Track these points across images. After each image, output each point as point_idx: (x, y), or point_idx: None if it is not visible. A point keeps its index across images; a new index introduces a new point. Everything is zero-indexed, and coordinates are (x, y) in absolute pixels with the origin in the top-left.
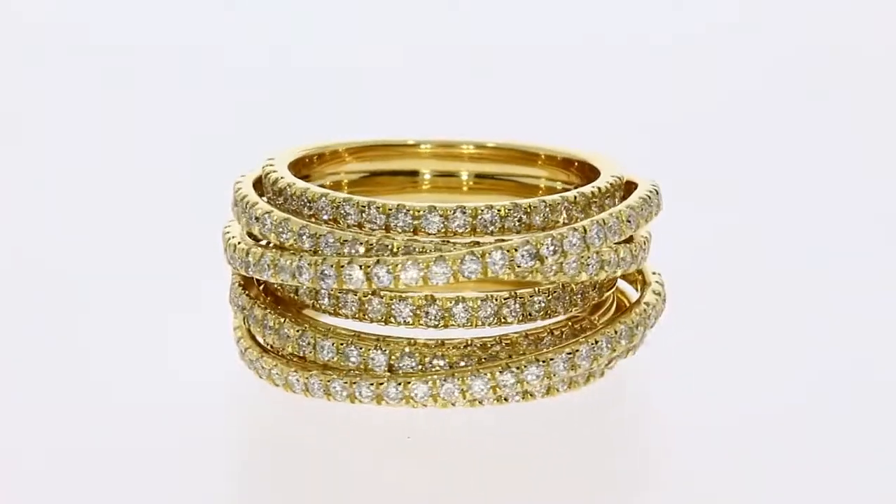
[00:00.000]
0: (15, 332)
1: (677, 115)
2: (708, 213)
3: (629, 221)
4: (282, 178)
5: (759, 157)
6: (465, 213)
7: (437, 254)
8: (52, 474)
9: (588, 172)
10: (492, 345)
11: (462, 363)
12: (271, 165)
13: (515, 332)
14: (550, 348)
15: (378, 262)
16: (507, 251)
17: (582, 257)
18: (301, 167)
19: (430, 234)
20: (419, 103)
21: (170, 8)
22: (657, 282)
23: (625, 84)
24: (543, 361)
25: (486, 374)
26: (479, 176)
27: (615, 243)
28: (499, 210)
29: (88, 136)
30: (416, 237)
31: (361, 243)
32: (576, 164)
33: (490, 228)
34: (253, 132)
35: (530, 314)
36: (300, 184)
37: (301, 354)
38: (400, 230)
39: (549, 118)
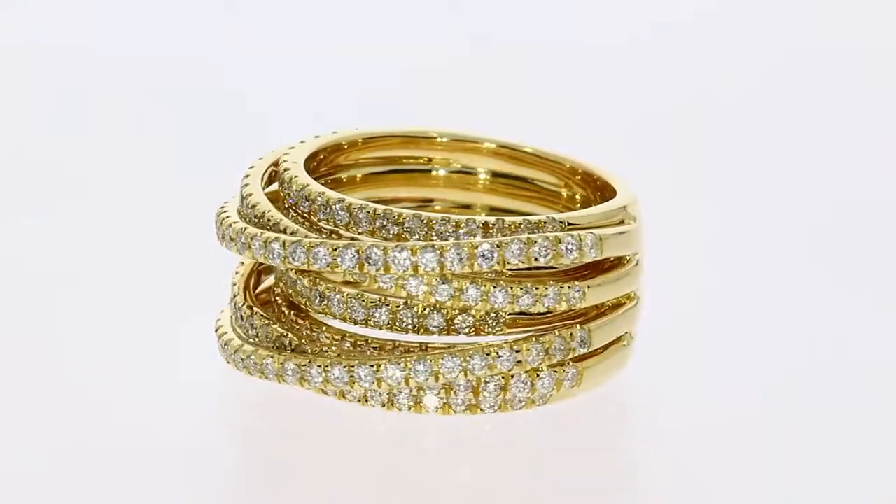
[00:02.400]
0: (9, 330)
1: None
2: (706, 214)
3: (502, 254)
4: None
5: (757, 158)
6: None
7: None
8: (48, 473)
9: (606, 191)
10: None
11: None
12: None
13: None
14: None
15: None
16: (331, 251)
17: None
18: (324, 156)
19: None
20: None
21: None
22: (560, 335)
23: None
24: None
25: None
26: (497, 175)
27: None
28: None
29: (87, 134)
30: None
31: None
32: (591, 177)
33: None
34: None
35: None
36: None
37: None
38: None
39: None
